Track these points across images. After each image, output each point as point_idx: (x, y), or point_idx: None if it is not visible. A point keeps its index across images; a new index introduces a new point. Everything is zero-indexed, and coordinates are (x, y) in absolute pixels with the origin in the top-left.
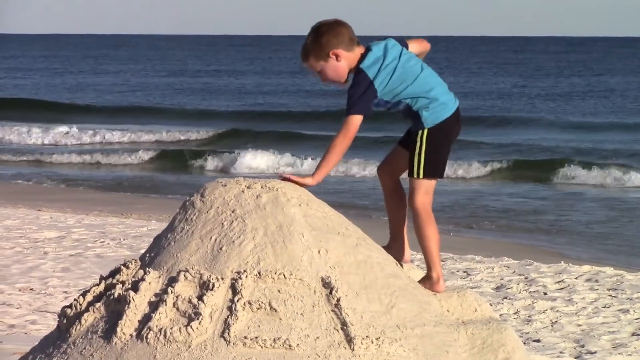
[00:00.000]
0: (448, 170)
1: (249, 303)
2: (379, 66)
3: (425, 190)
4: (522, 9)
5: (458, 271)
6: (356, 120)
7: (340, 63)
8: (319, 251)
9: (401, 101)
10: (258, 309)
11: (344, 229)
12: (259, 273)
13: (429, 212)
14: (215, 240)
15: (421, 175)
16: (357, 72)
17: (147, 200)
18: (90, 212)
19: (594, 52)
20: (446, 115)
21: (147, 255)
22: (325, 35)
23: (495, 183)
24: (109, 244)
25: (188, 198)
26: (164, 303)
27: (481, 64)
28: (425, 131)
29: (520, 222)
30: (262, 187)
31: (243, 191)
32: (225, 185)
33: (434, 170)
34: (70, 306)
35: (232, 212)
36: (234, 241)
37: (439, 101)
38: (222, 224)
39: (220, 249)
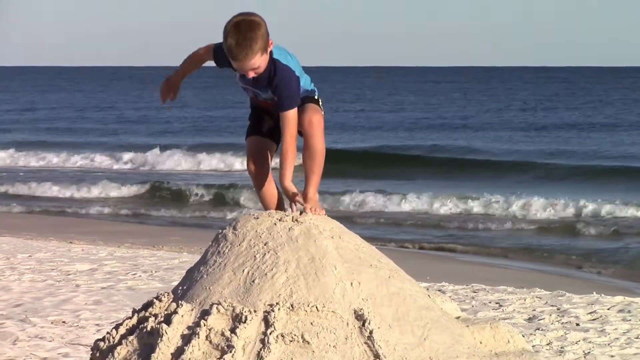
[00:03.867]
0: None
1: (282, 336)
2: (295, 61)
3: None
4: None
5: (490, 302)
6: (296, 113)
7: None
8: (351, 283)
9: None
10: (291, 341)
11: (376, 261)
12: (292, 305)
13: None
14: (248, 273)
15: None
16: (280, 67)
17: (178, 232)
18: (121, 244)
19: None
20: None
21: (180, 288)
22: (262, 25)
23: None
24: (140, 276)
25: (220, 231)
26: (197, 336)
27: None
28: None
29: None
30: (294, 219)
31: (275, 224)
32: (257, 218)
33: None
34: (103, 339)
35: (265, 244)
36: (266, 274)
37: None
38: (255, 256)
39: (253, 281)
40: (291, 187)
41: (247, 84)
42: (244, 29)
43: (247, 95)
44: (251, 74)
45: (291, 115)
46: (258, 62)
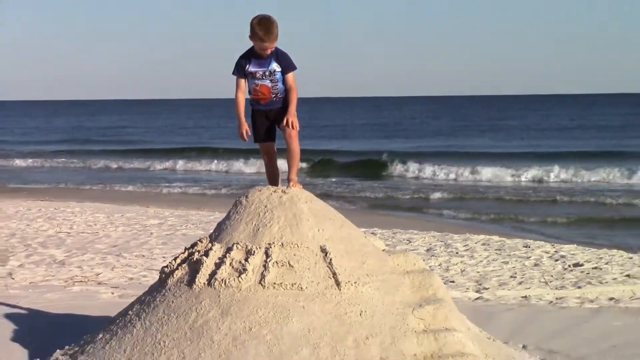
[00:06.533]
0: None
1: (276, 262)
2: None
3: None
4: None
5: (403, 240)
6: (294, 76)
7: None
8: (318, 230)
9: None
10: (282, 266)
11: (333, 216)
12: (282, 244)
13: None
14: (255, 224)
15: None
16: (280, 49)
17: (213, 200)
18: (178, 208)
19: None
20: None
21: (213, 234)
22: (276, 23)
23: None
24: (190, 227)
25: (238, 199)
26: (224, 263)
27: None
28: None
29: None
30: (282, 191)
31: (271, 194)
32: (260, 191)
33: None
34: (167, 266)
35: (265, 206)
36: (266, 224)
37: None
38: (259, 214)
39: (258, 229)
40: (295, 179)
41: (256, 65)
42: (272, 24)
43: (252, 85)
44: (268, 51)
45: (292, 77)
46: (275, 43)
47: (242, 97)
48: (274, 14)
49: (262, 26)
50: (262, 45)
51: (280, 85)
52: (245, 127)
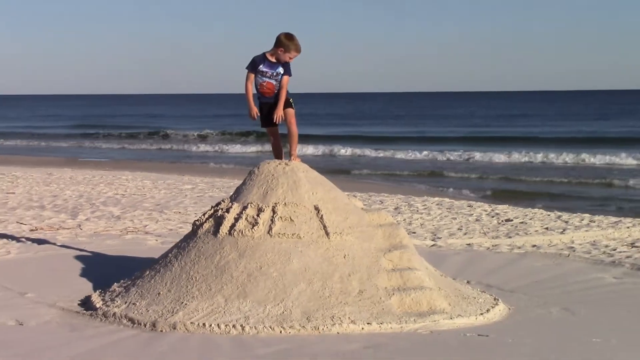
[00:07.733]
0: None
1: (281, 217)
2: None
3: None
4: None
5: (377, 201)
6: (288, 80)
7: None
8: (312, 193)
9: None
10: (285, 220)
11: (324, 182)
12: (285, 203)
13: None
14: (264, 188)
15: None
16: (286, 63)
17: (233, 170)
18: (206, 176)
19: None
20: None
21: (233, 195)
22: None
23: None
24: (215, 190)
25: (251, 169)
26: (241, 218)
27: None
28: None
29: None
30: (286, 164)
31: (277, 165)
32: (268, 163)
33: None
34: (197, 220)
35: (272, 175)
36: (273, 189)
37: None
38: (268, 181)
39: (267, 192)
40: (295, 154)
41: (268, 67)
42: (295, 38)
43: (259, 81)
44: (291, 59)
45: (287, 80)
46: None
47: (251, 87)
48: (260, 13)
49: (293, 41)
50: (293, 55)
51: (279, 84)
52: (255, 110)
